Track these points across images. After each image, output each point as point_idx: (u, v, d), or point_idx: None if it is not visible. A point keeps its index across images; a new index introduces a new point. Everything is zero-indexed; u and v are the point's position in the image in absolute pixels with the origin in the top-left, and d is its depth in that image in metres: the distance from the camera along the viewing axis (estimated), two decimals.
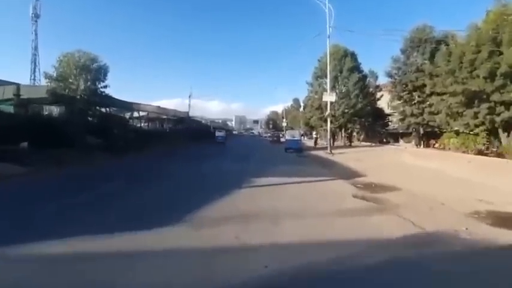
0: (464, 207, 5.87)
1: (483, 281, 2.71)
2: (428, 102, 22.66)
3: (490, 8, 16.64)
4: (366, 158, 17.06)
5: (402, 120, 26.35)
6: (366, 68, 31.31)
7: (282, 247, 3.79)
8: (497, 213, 5.52)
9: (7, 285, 2.73)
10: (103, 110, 17.93)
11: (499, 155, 16.86)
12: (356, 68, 28.68)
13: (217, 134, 36.58)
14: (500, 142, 17.31)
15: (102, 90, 15.65)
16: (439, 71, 19.78)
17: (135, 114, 25.08)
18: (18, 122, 11.54)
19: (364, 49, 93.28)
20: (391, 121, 34.98)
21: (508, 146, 16.22)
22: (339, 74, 27.97)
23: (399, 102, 25.83)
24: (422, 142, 24.83)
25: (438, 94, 20.25)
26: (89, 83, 14.69)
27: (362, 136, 37.98)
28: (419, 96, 23.47)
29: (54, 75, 14.42)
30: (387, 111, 34.47)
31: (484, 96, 16.61)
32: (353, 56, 29.04)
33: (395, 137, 33.09)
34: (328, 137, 22.35)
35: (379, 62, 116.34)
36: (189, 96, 50.20)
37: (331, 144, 22.09)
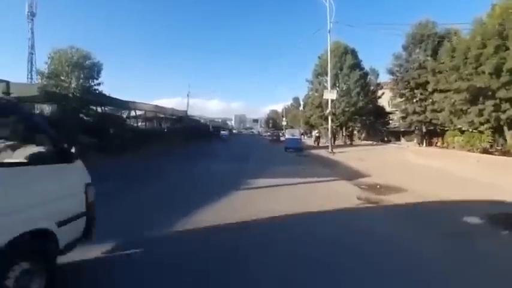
0: (476, 210, 5.44)
1: None
2: (431, 100, 22.22)
3: (495, 1, 16.17)
4: (368, 157, 16.62)
5: (404, 118, 25.88)
6: (366, 66, 30.87)
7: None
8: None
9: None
10: (98, 109, 17.50)
11: (504, 153, 16.45)
12: (357, 65, 28.21)
13: (222, 133, 47.56)
14: (506, 140, 16.90)
15: (96, 88, 15.23)
16: (443, 68, 19.33)
17: (132, 113, 24.60)
18: None
19: (365, 46, 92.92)
20: (392, 119, 34.54)
21: None
22: (339, 72, 27.50)
23: (401, 100, 25.39)
24: (424, 140, 24.39)
25: (441, 91, 19.80)
26: (81, 80, 14.23)
27: (363, 135, 37.52)
28: (421, 94, 23.02)
29: (46, 72, 13.98)
30: (388, 109, 34.04)
31: (490, 93, 16.18)
32: (354, 53, 28.57)
33: (397, 135, 32.62)
34: (329, 135, 21.86)
35: (380, 59, 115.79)
36: (187, 95, 49.80)
37: (332, 143, 21.62)
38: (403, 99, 24.94)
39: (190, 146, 25.23)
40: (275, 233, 4.19)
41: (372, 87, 31.49)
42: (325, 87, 24.13)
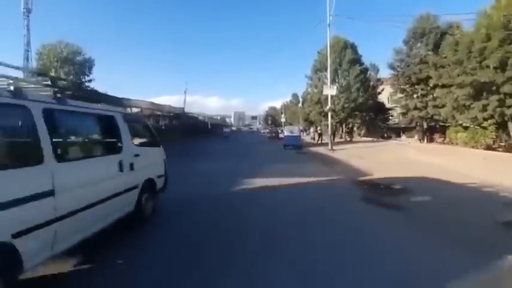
0: (492, 216, 5.01)
1: None
2: (432, 95, 21.77)
3: None
4: (369, 154, 16.19)
5: (404, 114, 25.45)
6: (366, 62, 30.31)
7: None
8: None
9: None
10: None
11: (508, 149, 16.06)
12: (357, 60, 27.61)
13: (225, 130, 51.20)
14: (509, 136, 16.48)
15: (87, 84, 14.67)
16: (445, 62, 18.85)
17: (128, 110, 24.00)
18: None
19: (364, 41, 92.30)
20: (392, 115, 34.10)
21: None
22: (338, 67, 26.95)
23: (401, 95, 24.94)
24: (425, 137, 23.96)
25: (444, 86, 19.34)
26: (71, 76, 13.67)
27: (363, 131, 37.10)
28: (422, 89, 22.57)
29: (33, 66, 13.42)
30: (388, 105, 33.58)
31: (494, 88, 15.74)
32: (353, 47, 27.95)
33: (397, 131, 32.22)
34: (329, 132, 21.37)
35: (380, 55, 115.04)
36: (184, 92, 49.19)
37: (332, 140, 21.16)
38: (404, 94, 24.51)
39: (188, 143, 24.73)
40: None
41: (372, 83, 30.99)
42: (325, 83, 23.62)
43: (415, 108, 23.06)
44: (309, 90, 33.30)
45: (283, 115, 62.63)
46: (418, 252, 3.47)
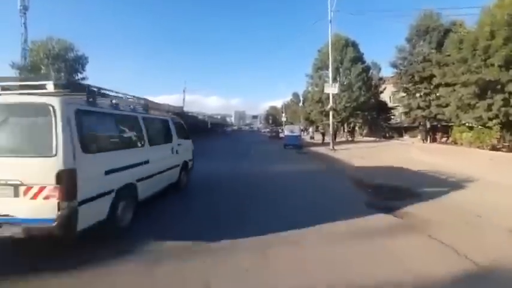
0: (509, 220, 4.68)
1: None
2: (436, 94, 21.40)
3: None
4: (371, 154, 15.84)
5: (407, 113, 25.07)
6: (368, 60, 29.88)
7: None
8: None
9: None
10: None
11: None
12: (358, 58, 27.21)
13: (227, 129, 60.75)
14: None
15: (80, 82, 14.33)
16: (449, 60, 18.46)
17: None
18: None
19: (366, 40, 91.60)
20: (394, 115, 33.71)
21: None
22: (340, 65, 26.58)
23: (404, 95, 24.55)
24: (429, 136, 23.57)
25: (447, 85, 18.96)
26: (62, 73, 13.30)
27: (365, 131, 36.70)
28: (426, 88, 22.18)
29: (25, 64, 13.01)
30: (390, 104, 33.17)
31: (499, 87, 15.38)
32: (355, 45, 27.55)
33: (399, 131, 31.79)
34: (331, 131, 21.00)
35: (381, 54, 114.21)
36: (183, 91, 48.78)
37: (334, 140, 20.79)
38: (407, 93, 24.13)
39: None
40: None
41: (374, 82, 30.60)
42: (326, 81, 23.22)
43: (418, 107, 22.69)
44: (310, 89, 32.93)
45: (283, 114, 62.28)
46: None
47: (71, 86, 3.86)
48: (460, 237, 3.96)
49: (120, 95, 4.77)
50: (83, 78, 14.44)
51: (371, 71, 30.17)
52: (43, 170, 2.95)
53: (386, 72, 29.71)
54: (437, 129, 23.63)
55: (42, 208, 2.93)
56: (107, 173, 3.60)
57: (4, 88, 3.51)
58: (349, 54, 26.37)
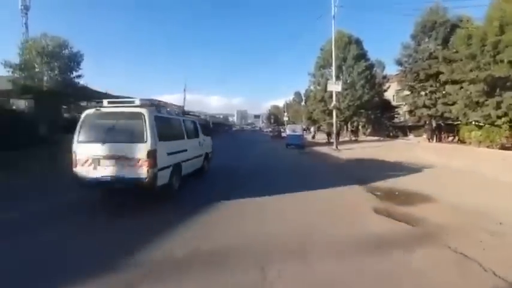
0: None
1: None
2: (442, 92, 20.81)
3: None
4: (376, 154, 15.32)
5: (411, 112, 24.47)
6: (372, 58, 29.23)
7: None
8: None
9: None
10: (83, 103, 16.20)
11: None
12: (362, 56, 26.57)
13: (231, 129, 64.92)
14: None
15: (77, 81, 13.88)
16: (457, 57, 17.89)
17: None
18: None
19: (369, 38, 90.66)
20: (398, 114, 33.10)
21: None
22: (343, 63, 26.02)
23: (408, 93, 23.96)
24: (435, 136, 22.96)
25: (454, 82, 18.40)
26: (57, 71, 12.88)
27: (368, 130, 36.12)
28: (431, 86, 21.59)
29: (18, 62, 12.57)
30: (394, 103, 32.57)
31: (508, 84, 14.84)
32: (358, 42, 26.90)
33: (404, 130, 31.13)
34: (334, 131, 20.50)
35: (385, 52, 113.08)
36: (184, 90, 48.00)
37: (337, 139, 20.29)
38: (411, 91, 23.54)
39: None
40: None
41: (377, 80, 30.00)
42: (328, 80, 22.69)
43: (424, 105, 22.12)
44: (312, 88, 32.35)
45: (285, 114, 61.73)
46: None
47: (148, 101, 5.84)
48: (482, 249, 3.50)
49: (168, 104, 7.08)
50: (79, 76, 14.02)
51: (375, 68, 29.57)
52: (140, 150, 5.15)
53: (391, 70, 29.13)
54: (443, 128, 23.03)
55: (139, 171, 5.14)
56: (168, 154, 5.83)
57: (110, 102, 5.75)
58: (352, 51, 25.81)
